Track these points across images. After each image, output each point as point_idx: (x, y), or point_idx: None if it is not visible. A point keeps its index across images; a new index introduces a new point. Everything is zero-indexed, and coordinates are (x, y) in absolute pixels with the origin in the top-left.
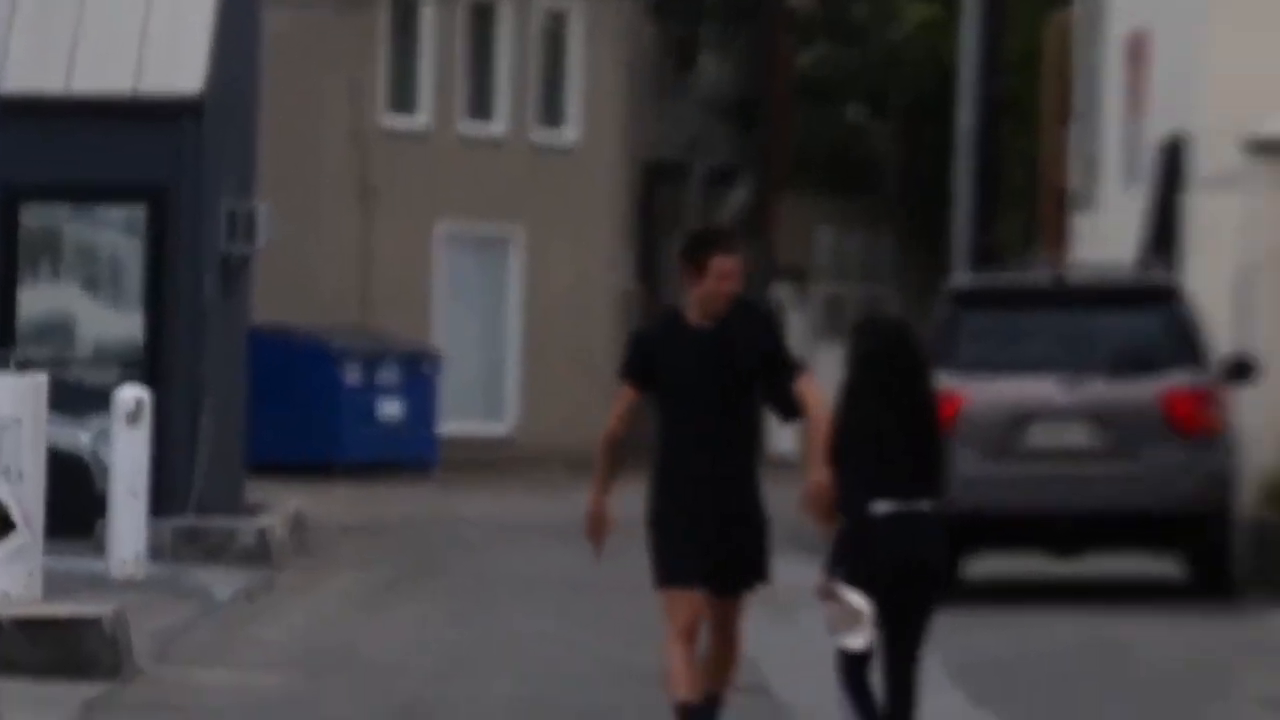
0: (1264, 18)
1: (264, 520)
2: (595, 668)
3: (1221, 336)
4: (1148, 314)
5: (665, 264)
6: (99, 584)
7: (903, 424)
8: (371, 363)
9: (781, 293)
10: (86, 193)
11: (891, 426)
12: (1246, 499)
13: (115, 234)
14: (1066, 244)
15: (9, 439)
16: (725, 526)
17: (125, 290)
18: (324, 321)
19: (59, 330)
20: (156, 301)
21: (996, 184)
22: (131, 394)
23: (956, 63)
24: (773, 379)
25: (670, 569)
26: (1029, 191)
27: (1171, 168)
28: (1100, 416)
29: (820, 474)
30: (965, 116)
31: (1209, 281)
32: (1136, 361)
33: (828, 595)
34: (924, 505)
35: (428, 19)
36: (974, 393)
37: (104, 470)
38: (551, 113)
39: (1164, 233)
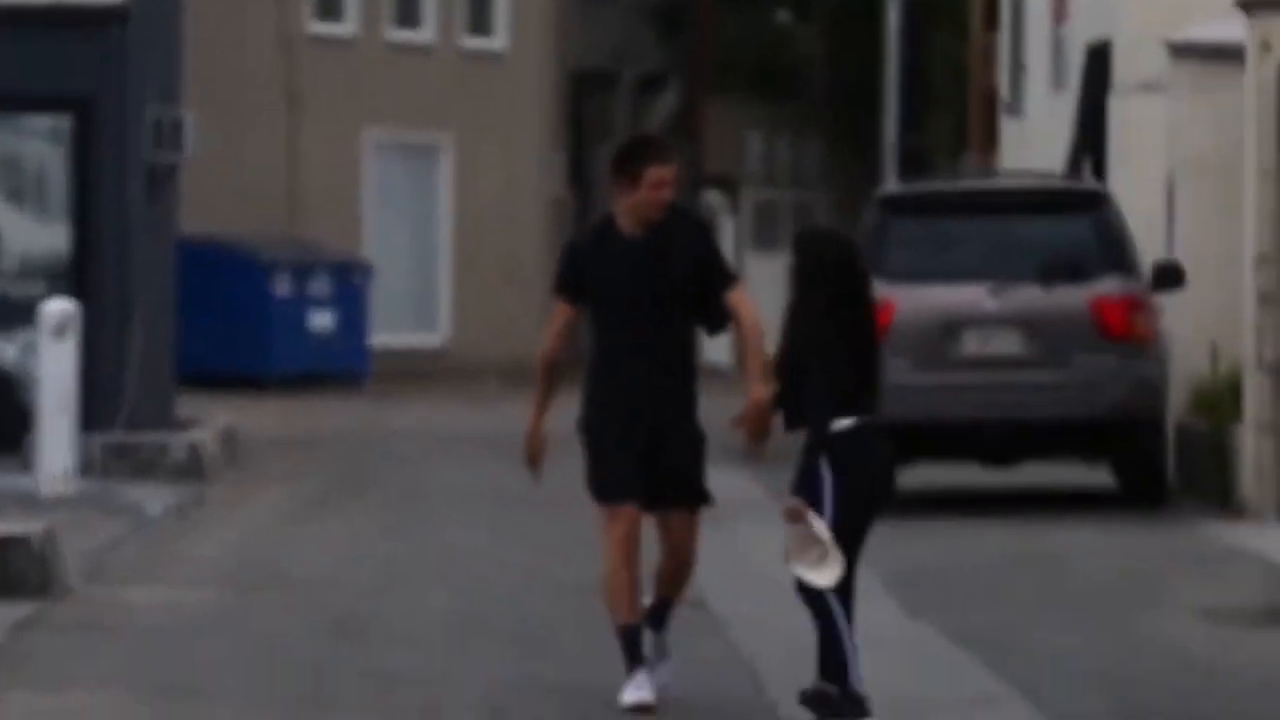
0: None
1: (195, 435)
2: (530, 581)
3: (1148, 242)
4: (1077, 221)
5: (595, 171)
6: (27, 501)
7: (849, 337)
8: (301, 273)
9: (712, 200)
10: (10, 103)
11: (843, 340)
12: (1176, 406)
13: (40, 144)
14: (995, 149)
15: None
16: (659, 438)
17: (50, 202)
18: (252, 231)
19: None
20: (82, 213)
21: (924, 88)
22: (58, 307)
23: None
24: (704, 288)
25: (605, 483)
26: (957, 96)
27: (1097, 73)
28: (1030, 324)
29: (760, 391)
30: (892, 19)
31: (1135, 187)
32: (1066, 269)
33: (797, 518)
34: (874, 418)
35: None
36: (903, 301)
37: (31, 385)
38: (479, 20)
39: (1091, 138)
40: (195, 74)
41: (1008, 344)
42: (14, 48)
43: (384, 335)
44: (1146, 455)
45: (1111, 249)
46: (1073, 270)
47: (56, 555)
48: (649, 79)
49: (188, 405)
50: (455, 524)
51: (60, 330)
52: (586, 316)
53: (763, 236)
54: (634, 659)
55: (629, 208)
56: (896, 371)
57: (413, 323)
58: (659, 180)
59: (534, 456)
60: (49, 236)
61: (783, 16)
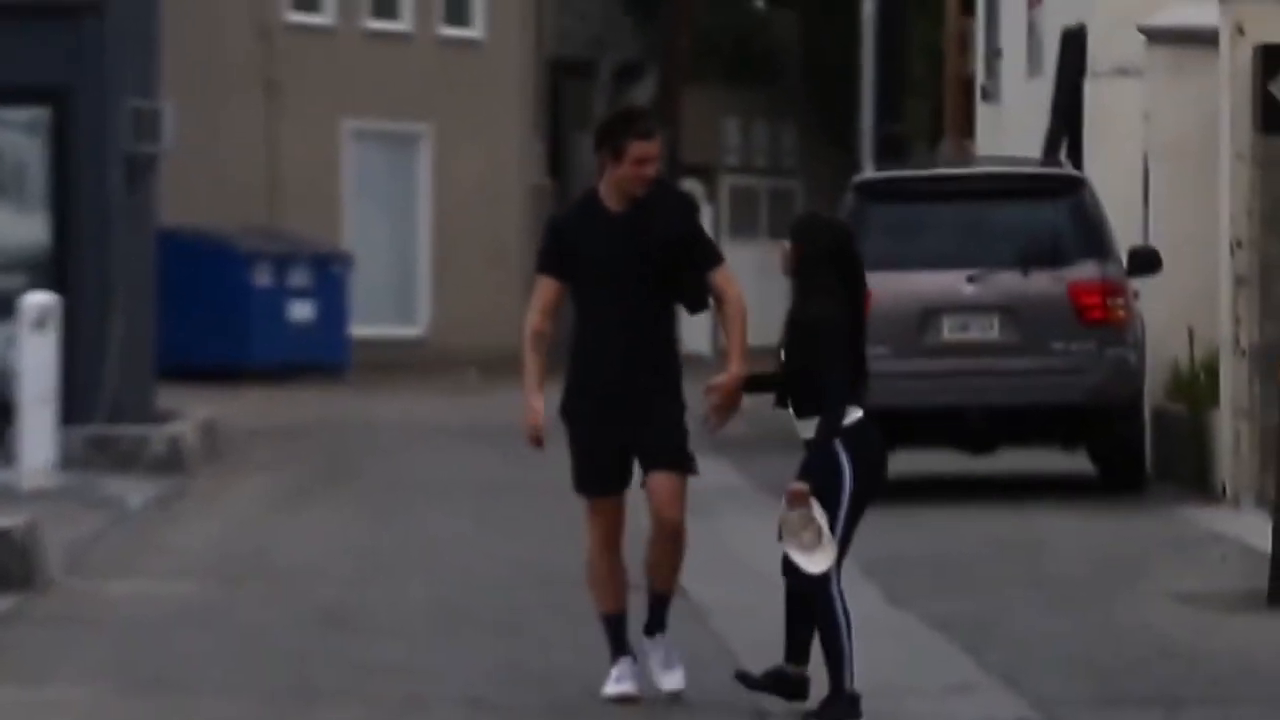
0: None
1: (176, 427)
2: (512, 571)
3: (1125, 226)
4: (1054, 206)
5: (574, 159)
6: (8, 494)
7: (851, 324)
8: (281, 264)
9: (689, 187)
10: None
11: (846, 327)
12: (1153, 391)
13: (18, 136)
14: (971, 135)
15: None
16: (642, 410)
17: (29, 194)
18: (231, 222)
19: None
20: (62, 205)
21: (900, 75)
22: (38, 300)
23: None
24: (687, 266)
25: (584, 478)
26: (933, 82)
27: (1073, 58)
28: (1008, 310)
29: (739, 368)
30: (868, 5)
31: (1111, 172)
32: (1043, 254)
33: (800, 503)
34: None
35: None
36: (881, 288)
37: (11, 378)
38: (457, 9)
39: (1067, 123)
40: (173, 65)
41: (985, 330)
42: None
43: (364, 325)
44: (1124, 440)
45: (1088, 234)
46: (1050, 255)
47: (38, 548)
48: (627, 67)
49: (168, 397)
50: (437, 514)
51: (40, 323)
52: (569, 295)
53: (740, 224)
54: (617, 648)
55: (613, 183)
56: (875, 359)
57: (393, 313)
58: (642, 155)
59: (535, 432)
60: (28, 229)
61: (759, 3)
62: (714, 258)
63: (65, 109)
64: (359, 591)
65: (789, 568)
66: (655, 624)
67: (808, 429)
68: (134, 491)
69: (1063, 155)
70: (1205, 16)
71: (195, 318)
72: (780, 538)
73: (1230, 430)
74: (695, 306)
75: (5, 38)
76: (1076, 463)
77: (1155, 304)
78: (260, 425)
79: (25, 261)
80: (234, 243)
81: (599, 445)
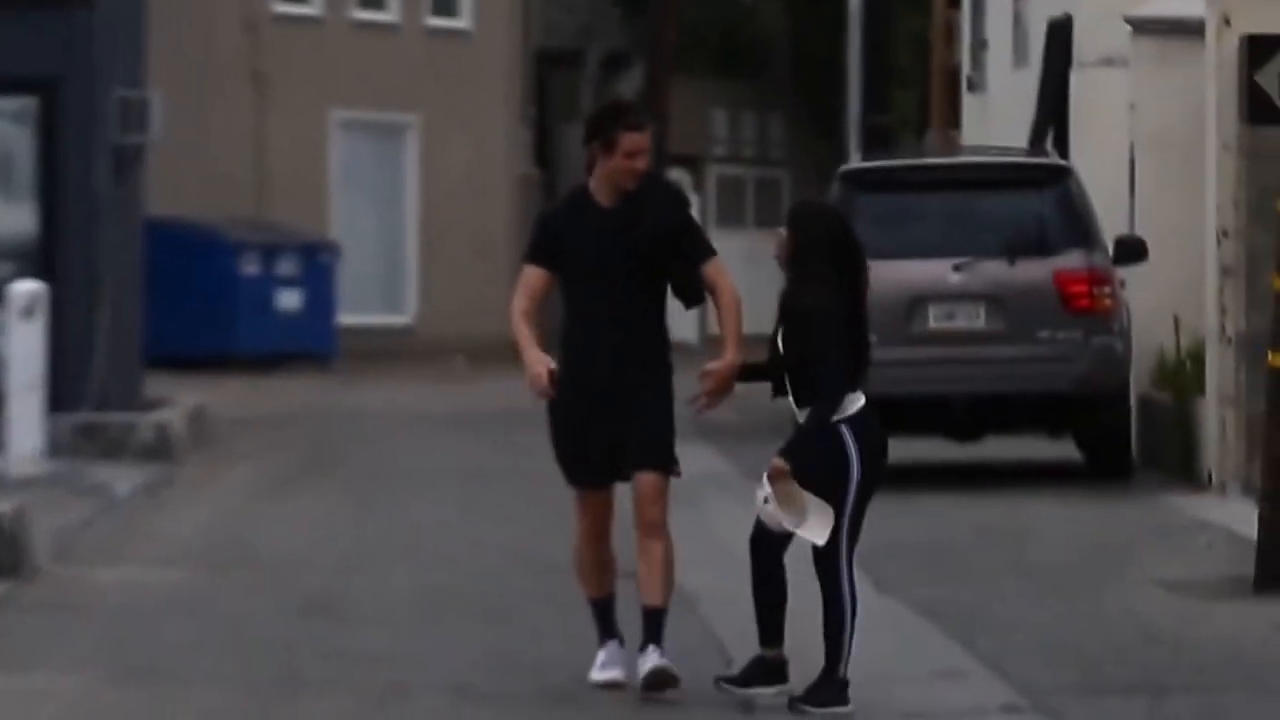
0: None
1: (163, 415)
2: (499, 558)
3: (1110, 216)
4: (1040, 195)
5: (561, 149)
6: None
7: (850, 311)
8: (269, 254)
9: (676, 177)
10: None
11: (841, 315)
12: (1139, 380)
13: (6, 125)
14: (957, 125)
15: None
16: (630, 405)
17: (17, 183)
18: (219, 212)
19: None
20: (49, 194)
21: (887, 65)
22: (26, 288)
23: None
24: (679, 260)
25: (575, 468)
26: (919, 73)
27: (1059, 48)
28: (994, 299)
29: (735, 355)
30: None
31: (1097, 162)
32: (1030, 243)
33: (781, 479)
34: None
35: None
36: (869, 277)
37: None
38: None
39: (1053, 113)
40: (161, 56)
41: (972, 319)
42: None
43: (351, 315)
44: (1110, 428)
45: (1074, 224)
46: (1036, 244)
47: (26, 535)
48: (614, 58)
49: (155, 386)
50: (424, 502)
51: (28, 311)
52: (557, 288)
53: (727, 214)
54: (604, 631)
55: (604, 176)
56: None
57: (380, 302)
58: (633, 147)
59: (542, 381)
60: (16, 218)
61: None
62: (705, 251)
63: (53, 99)
64: (345, 580)
65: (758, 548)
66: (650, 637)
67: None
68: (122, 479)
69: (1049, 145)
70: (1191, 7)
71: (183, 307)
72: (762, 520)
73: (1216, 418)
74: (690, 301)
75: None
76: (1063, 451)
77: (1141, 293)
78: (248, 414)
79: (13, 250)
80: (221, 232)
81: (588, 440)
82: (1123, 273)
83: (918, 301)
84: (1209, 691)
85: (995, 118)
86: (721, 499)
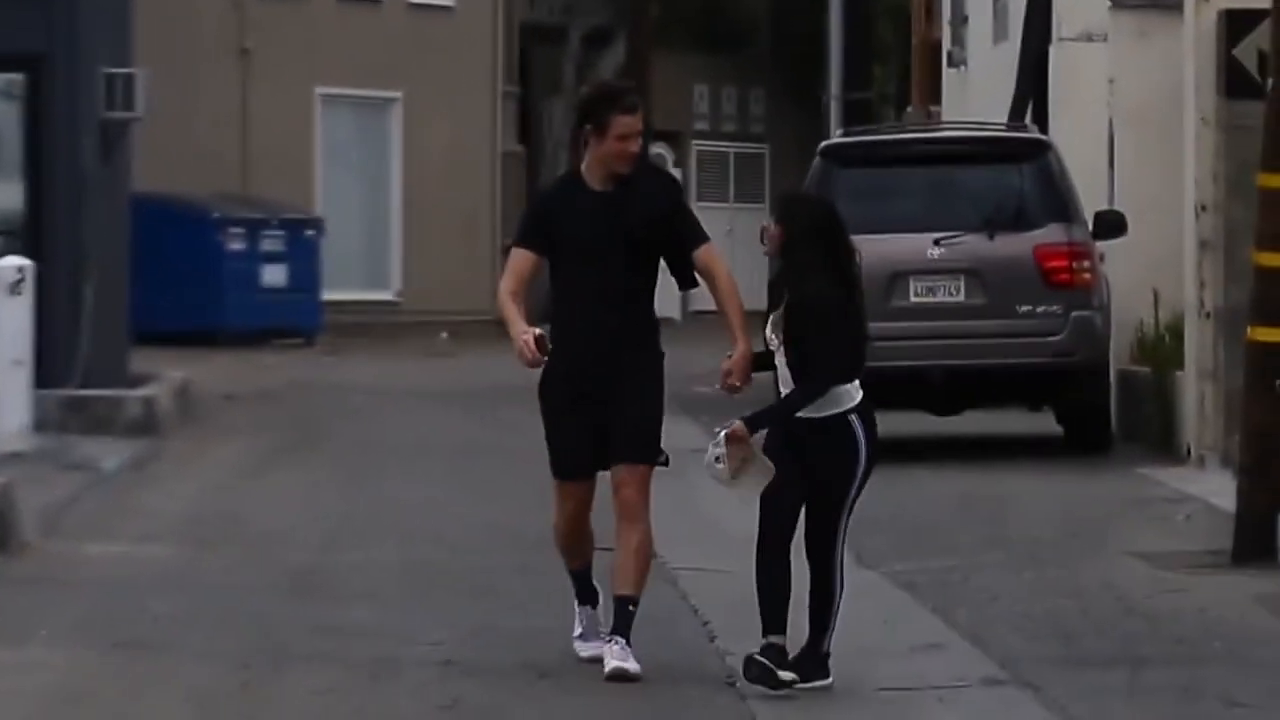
0: None
1: (150, 390)
2: (484, 533)
3: (1090, 190)
4: (1020, 170)
5: (543, 124)
6: None
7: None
8: (253, 230)
9: (658, 152)
10: None
11: (843, 304)
12: (1119, 353)
13: None
14: (937, 100)
15: None
16: (618, 392)
17: (5, 160)
18: (204, 188)
19: None
20: (36, 171)
21: (868, 41)
22: (13, 264)
23: None
24: (672, 245)
25: (555, 459)
26: (900, 48)
27: (1038, 24)
28: (974, 273)
29: (745, 344)
30: None
31: (1077, 136)
32: (1009, 218)
33: (741, 443)
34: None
35: None
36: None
37: None
38: None
39: (1033, 88)
40: (146, 32)
41: (952, 293)
42: None
43: (336, 290)
44: (1090, 402)
45: (1054, 198)
46: (1016, 219)
47: (14, 511)
48: (596, 33)
49: (142, 361)
50: (410, 477)
51: (15, 287)
52: (548, 272)
53: (709, 189)
54: (582, 596)
55: (596, 160)
56: None
57: (365, 278)
58: (625, 130)
59: (529, 348)
60: (4, 194)
61: None
62: (698, 236)
63: (39, 76)
64: (332, 555)
65: (812, 545)
66: (619, 628)
67: (824, 405)
68: (109, 454)
69: (1029, 120)
70: None
71: (169, 283)
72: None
73: (1195, 392)
74: (685, 283)
75: None
76: (1043, 424)
77: (1121, 267)
78: (234, 389)
79: (1, 227)
80: (206, 208)
81: (576, 428)
82: (1102, 247)
83: (898, 276)
84: (1188, 663)
85: (975, 93)
86: (703, 474)
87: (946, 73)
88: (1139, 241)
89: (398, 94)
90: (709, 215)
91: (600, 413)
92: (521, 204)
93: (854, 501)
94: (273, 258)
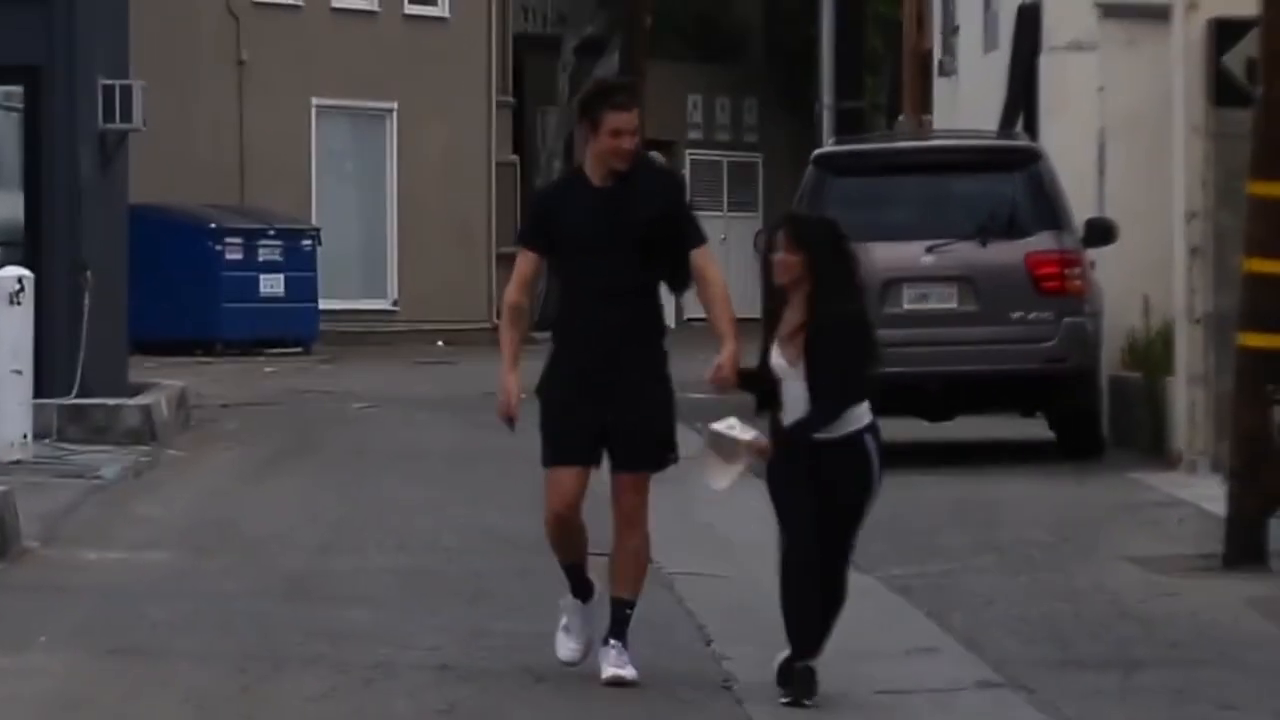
0: None
1: (148, 398)
2: (480, 538)
3: (1080, 198)
4: (1011, 178)
5: (537, 135)
6: None
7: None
8: (250, 240)
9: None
10: None
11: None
12: (1110, 359)
13: None
14: (929, 109)
15: None
16: (626, 397)
17: (3, 170)
18: (201, 199)
19: None
20: (35, 181)
21: (859, 50)
22: (12, 274)
23: None
24: (671, 245)
25: (552, 449)
26: (891, 58)
27: (1028, 33)
28: (966, 280)
29: (735, 344)
30: None
31: (1067, 144)
32: (1001, 225)
33: (759, 454)
34: None
35: None
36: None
37: None
38: None
39: (1023, 97)
40: (143, 44)
41: (944, 300)
42: None
43: (333, 299)
44: (1082, 407)
45: (1045, 206)
46: (1007, 227)
47: (13, 518)
48: (590, 43)
49: (140, 370)
50: (406, 483)
51: (14, 297)
52: (552, 269)
53: (702, 197)
54: (576, 590)
55: (593, 156)
56: None
57: (361, 287)
58: (617, 126)
59: (510, 409)
60: (3, 205)
61: None
62: (696, 237)
63: (38, 87)
64: (329, 560)
65: (791, 568)
66: (615, 632)
67: (839, 424)
68: (108, 462)
69: (1019, 129)
70: None
71: (167, 292)
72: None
73: (1185, 397)
74: (678, 286)
75: None
76: (1035, 430)
77: (1111, 274)
78: (231, 397)
79: (1, 237)
80: (204, 219)
81: (575, 419)
82: (1093, 254)
83: (891, 283)
84: (1181, 666)
85: (966, 102)
86: (698, 478)
87: (937, 82)
88: (1129, 248)
89: (393, 104)
90: (702, 223)
91: (601, 411)
92: (515, 213)
93: (865, 516)
94: (270, 267)
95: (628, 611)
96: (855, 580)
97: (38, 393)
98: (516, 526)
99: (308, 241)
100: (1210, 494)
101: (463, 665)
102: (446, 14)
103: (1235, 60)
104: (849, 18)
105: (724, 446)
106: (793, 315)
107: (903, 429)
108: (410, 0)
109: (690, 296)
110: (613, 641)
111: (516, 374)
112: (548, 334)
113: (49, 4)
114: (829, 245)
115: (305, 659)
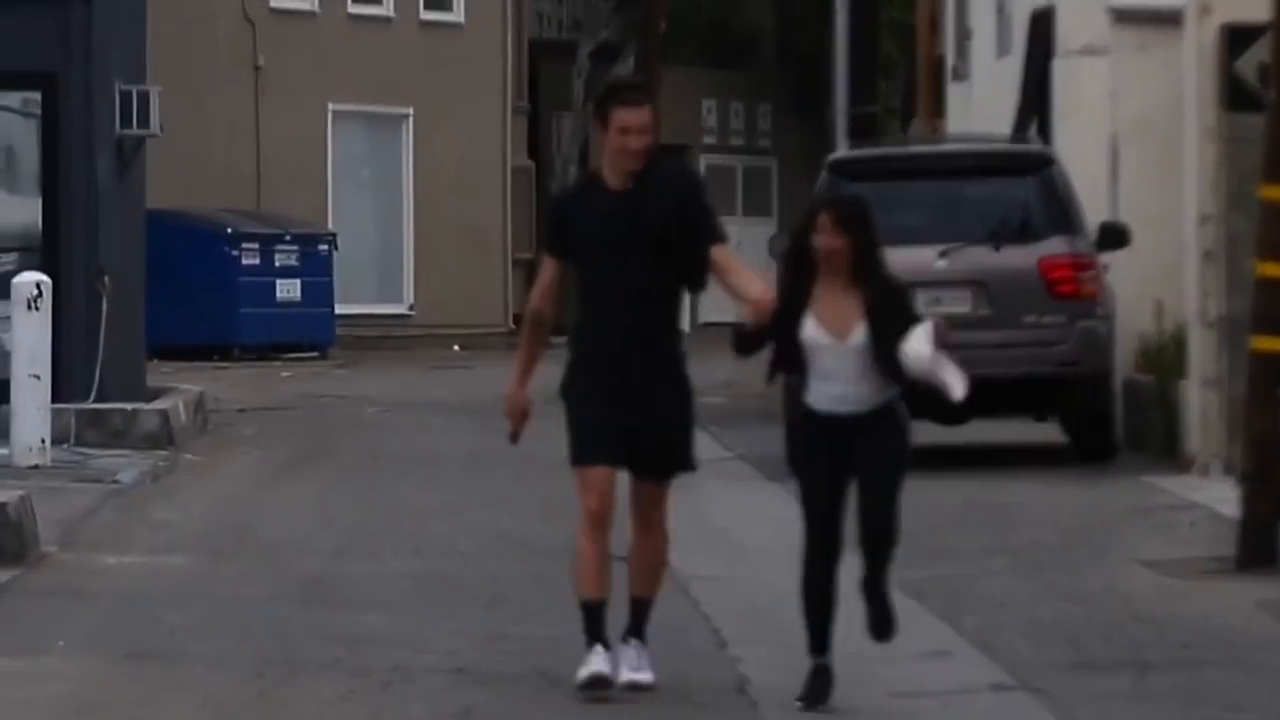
0: None
1: (166, 403)
2: (495, 543)
3: (1093, 202)
4: (1024, 183)
5: (552, 140)
6: (2, 471)
7: None
8: (267, 244)
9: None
10: None
11: None
12: (1123, 363)
13: (11, 118)
14: (942, 114)
15: None
16: (644, 402)
17: (22, 176)
18: (218, 204)
19: None
20: (53, 187)
21: (873, 55)
22: (31, 279)
23: None
24: (689, 243)
25: (582, 447)
26: (905, 62)
27: (1041, 38)
28: (980, 284)
29: (764, 288)
30: None
31: (1080, 149)
32: (1014, 230)
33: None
34: None
35: None
36: None
37: (4, 357)
38: None
39: (1036, 102)
40: (160, 49)
41: (958, 304)
42: None
43: (349, 304)
44: (1095, 411)
45: (1058, 210)
46: (1020, 231)
47: (32, 523)
48: (605, 49)
49: (157, 376)
50: (423, 488)
51: (33, 303)
52: (572, 275)
53: (717, 202)
54: (593, 635)
55: (609, 157)
56: None
57: (377, 291)
58: (625, 123)
59: (514, 415)
60: (22, 210)
61: None
62: (715, 234)
63: (54, 93)
64: (346, 564)
65: (814, 565)
66: (633, 630)
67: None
68: (126, 467)
69: (1032, 133)
70: None
71: (184, 297)
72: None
73: (1198, 401)
74: (696, 285)
75: None
76: (1048, 433)
77: (1124, 278)
78: (248, 402)
79: (19, 242)
80: (221, 224)
81: (602, 415)
82: (1106, 258)
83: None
84: (1193, 668)
85: (979, 106)
86: (715, 483)
87: (951, 86)
88: (1142, 252)
89: (409, 110)
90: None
91: (625, 414)
92: (531, 218)
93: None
94: (286, 272)
95: (646, 608)
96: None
97: (56, 398)
98: (533, 531)
99: (324, 246)
100: (1223, 497)
101: (479, 669)
102: (462, 20)
103: (1247, 65)
104: (863, 23)
105: (936, 360)
106: (832, 292)
107: (915, 433)
108: (426, 6)
109: (706, 300)
110: (631, 640)
111: (524, 389)
112: (563, 337)
113: (66, 10)
114: (869, 222)
115: (322, 663)
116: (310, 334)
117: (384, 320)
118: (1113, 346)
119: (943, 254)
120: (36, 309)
